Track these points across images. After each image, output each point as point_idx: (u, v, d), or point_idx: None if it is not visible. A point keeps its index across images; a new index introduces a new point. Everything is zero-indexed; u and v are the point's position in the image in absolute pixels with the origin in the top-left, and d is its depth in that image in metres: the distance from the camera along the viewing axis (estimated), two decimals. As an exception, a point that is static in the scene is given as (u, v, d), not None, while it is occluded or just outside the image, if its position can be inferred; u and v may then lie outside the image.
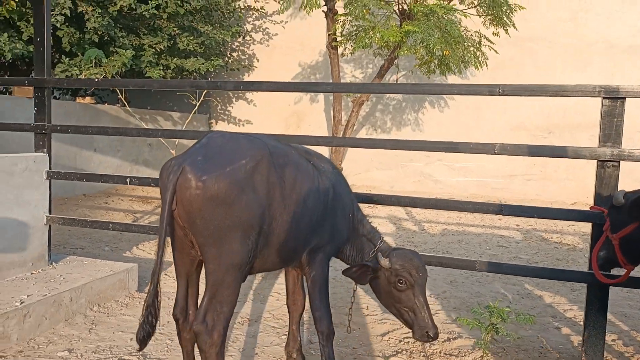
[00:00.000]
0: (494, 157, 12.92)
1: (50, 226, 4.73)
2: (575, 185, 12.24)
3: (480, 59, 9.90)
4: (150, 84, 4.38)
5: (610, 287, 3.57)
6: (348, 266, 3.31)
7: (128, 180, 4.37)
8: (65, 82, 4.61)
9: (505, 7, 9.32)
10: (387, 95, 13.54)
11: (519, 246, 8.04)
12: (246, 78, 14.47)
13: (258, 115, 14.43)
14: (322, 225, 3.10)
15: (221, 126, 14.92)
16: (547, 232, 9.27)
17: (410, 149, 3.81)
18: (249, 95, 14.68)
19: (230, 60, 13.52)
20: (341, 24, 9.64)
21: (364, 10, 8.50)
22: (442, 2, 9.06)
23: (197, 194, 2.52)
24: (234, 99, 14.90)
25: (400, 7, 9.54)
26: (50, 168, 4.66)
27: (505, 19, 9.73)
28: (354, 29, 9.80)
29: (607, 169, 3.36)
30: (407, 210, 10.78)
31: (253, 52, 14.67)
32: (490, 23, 10.12)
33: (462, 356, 3.78)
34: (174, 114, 13.87)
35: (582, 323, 4.14)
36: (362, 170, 13.68)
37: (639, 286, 3.44)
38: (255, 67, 14.20)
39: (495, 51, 10.20)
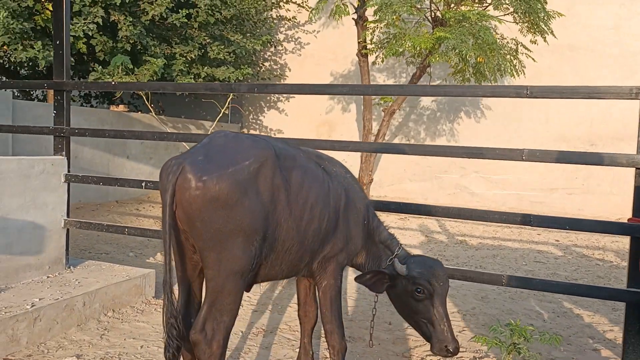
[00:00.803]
0: (533, 170, 12.47)
1: (68, 230, 4.69)
2: (621, 200, 11.63)
3: (517, 67, 9.55)
4: (165, 87, 4.30)
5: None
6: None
7: (143, 184, 4.28)
8: (83, 85, 4.58)
9: (542, 14, 8.97)
10: (421, 104, 13.27)
11: (558, 262, 7.64)
12: (279, 88, 14.45)
13: (290, 125, 14.37)
14: (333, 232, 2.92)
15: (253, 135, 14.91)
16: (588, 249, 8.82)
17: (432, 154, 3.59)
18: (280, 104, 14.65)
19: (261, 70, 13.52)
20: (371, 31, 9.47)
21: (394, 17, 8.30)
22: (475, 8, 8.79)
23: (196, 194, 2.37)
24: (265, 109, 14.90)
25: (433, 13, 9.31)
26: (69, 171, 4.63)
27: (542, 26, 9.38)
28: (385, 36, 9.62)
29: (647, 177, 3.07)
30: (440, 223, 10.46)
31: (285, 62, 14.65)
32: (527, 30, 9.78)
33: (488, 377, 3.53)
34: (206, 123, 13.94)
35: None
36: (394, 182, 13.42)
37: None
38: (287, 76, 14.17)
39: (533, 59, 9.85)
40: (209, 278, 2.48)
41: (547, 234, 9.96)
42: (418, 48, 8.37)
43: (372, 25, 9.31)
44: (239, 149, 2.55)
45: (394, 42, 8.60)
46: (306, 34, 14.19)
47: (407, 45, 8.36)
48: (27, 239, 4.32)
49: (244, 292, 2.65)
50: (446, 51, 8.37)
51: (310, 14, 9.40)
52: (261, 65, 13.98)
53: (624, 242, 9.39)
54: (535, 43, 9.90)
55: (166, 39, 10.76)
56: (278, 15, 13.41)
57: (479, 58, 8.40)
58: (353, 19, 9.96)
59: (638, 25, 11.59)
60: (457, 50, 8.04)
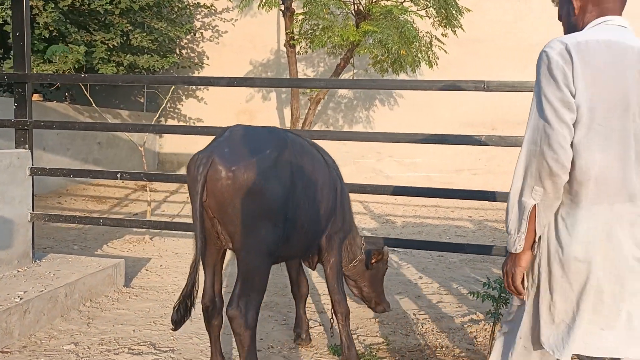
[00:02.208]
0: (442, 153, 13.47)
1: (33, 223, 4.65)
2: (517, 178, 12.94)
3: (432, 58, 10.34)
4: (140, 80, 4.38)
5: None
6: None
7: (119, 175, 4.37)
8: (48, 77, 4.50)
9: (454, 10, 9.79)
10: (339, 93, 13.82)
11: (476, 235, 8.51)
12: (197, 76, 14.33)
13: (209, 113, 14.32)
14: (334, 212, 3.30)
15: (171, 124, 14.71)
16: (497, 222, 9.83)
17: (400, 141, 4.05)
18: (199, 93, 14.56)
19: (181, 58, 13.39)
20: (300, 22, 9.79)
21: (324, 10, 8.70)
22: (397, 3, 9.40)
23: (227, 184, 2.62)
24: (183, 97, 14.73)
25: (356, 7, 9.81)
26: (32, 164, 4.59)
27: (453, 21, 10.21)
28: (311, 27, 9.98)
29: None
30: (364, 205, 11.11)
31: (202, 50, 14.56)
32: (439, 24, 10.58)
33: (453, 333, 4.08)
34: (123, 112, 13.58)
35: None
36: (315, 167, 13.88)
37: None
38: (207, 64, 14.10)
39: (446, 51, 10.68)
40: (241, 259, 2.75)
41: (460, 210, 10.93)
42: (345, 40, 8.83)
43: (300, 17, 9.62)
44: (258, 140, 2.83)
45: (323, 34, 8.99)
46: (224, 22, 14.19)
47: (335, 38, 8.79)
48: (-2, 233, 4.27)
49: None
50: (373, 44, 8.91)
51: (240, 4, 9.52)
52: (179, 52, 13.82)
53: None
54: (446, 36, 10.73)
55: (84, 25, 10.38)
56: (195, 2, 13.30)
57: (402, 51, 9.02)
58: (280, 10, 10.22)
59: (535, 19, 12.85)
60: (383, 44, 8.61)
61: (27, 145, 4.58)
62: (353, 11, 9.85)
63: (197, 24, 14.34)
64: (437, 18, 10.39)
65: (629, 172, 1.89)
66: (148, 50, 11.12)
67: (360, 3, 9.76)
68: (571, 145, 1.86)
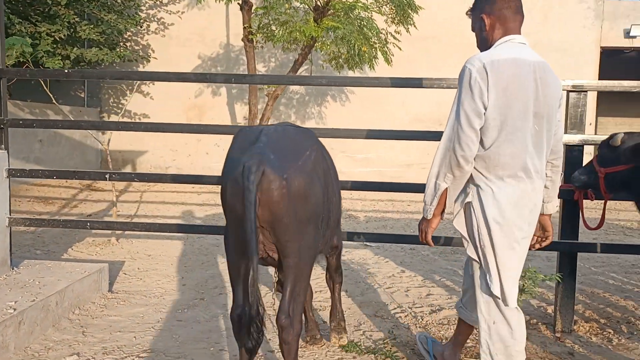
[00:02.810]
0: (392, 148, 13.75)
1: (11, 228, 4.36)
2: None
3: (387, 55, 10.50)
4: (129, 76, 4.17)
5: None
6: None
7: (107, 176, 4.16)
8: (27, 73, 4.17)
9: (410, 8, 9.99)
10: (291, 89, 13.77)
11: (439, 227, 8.73)
12: (142, 69, 13.83)
13: (156, 109, 13.86)
14: (340, 203, 3.38)
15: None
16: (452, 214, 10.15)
17: (398, 138, 4.11)
18: (144, 87, 14.06)
19: (128, 51, 12.88)
20: (259, 17, 9.66)
21: (287, 5, 8.63)
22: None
23: (284, 193, 2.54)
24: (128, 92, 14.19)
25: (314, 2, 9.78)
26: (9, 165, 4.30)
27: (407, 18, 10.41)
28: (269, 21, 9.87)
29: (573, 152, 3.95)
30: (322, 200, 11.16)
31: (147, 43, 14.06)
32: (391, 21, 10.75)
33: (453, 324, 4.20)
34: (65, 108, 12.89)
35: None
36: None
37: (598, 251, 4.10)
38: (155, 57, 13.63)
39: (400, 48, 10.87)
40: (290, 266, 2.67)
41: (415, 204, 11.17)
42: (308, 35, 8.79)
43: (260, 11, 9.48)
44: (296, 141, 2.79)
45: (283, 29, 8.91)
46: (170, 14, 13.77)
47: (297, 33, 8.74)
48: (-23, 240, 3.97)
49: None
50: (335, 40, 8.93)
51: (199, -2, 9.28)
52: (123, 45, 13.27)
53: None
54: (399, 33, 10.92)
55: (26, 16, 9.76)
56: (140, -7, 12.85)
57: (363, 47, 9.11)
58: (238, 3, 10.03)
59: (480, 18, 13.31)
60: (345, 40, 8.65)
61: (2, 146, 4.28)
62: (311, 7, 9.82)
63: (142, 15, 13.83)
64: (390, 15, 10.56)
65: (527, 157, 2.48)
66: (95, 43, 10.60)
67: (318, -1, 9.75)
68: (482, 143, 2.46)
